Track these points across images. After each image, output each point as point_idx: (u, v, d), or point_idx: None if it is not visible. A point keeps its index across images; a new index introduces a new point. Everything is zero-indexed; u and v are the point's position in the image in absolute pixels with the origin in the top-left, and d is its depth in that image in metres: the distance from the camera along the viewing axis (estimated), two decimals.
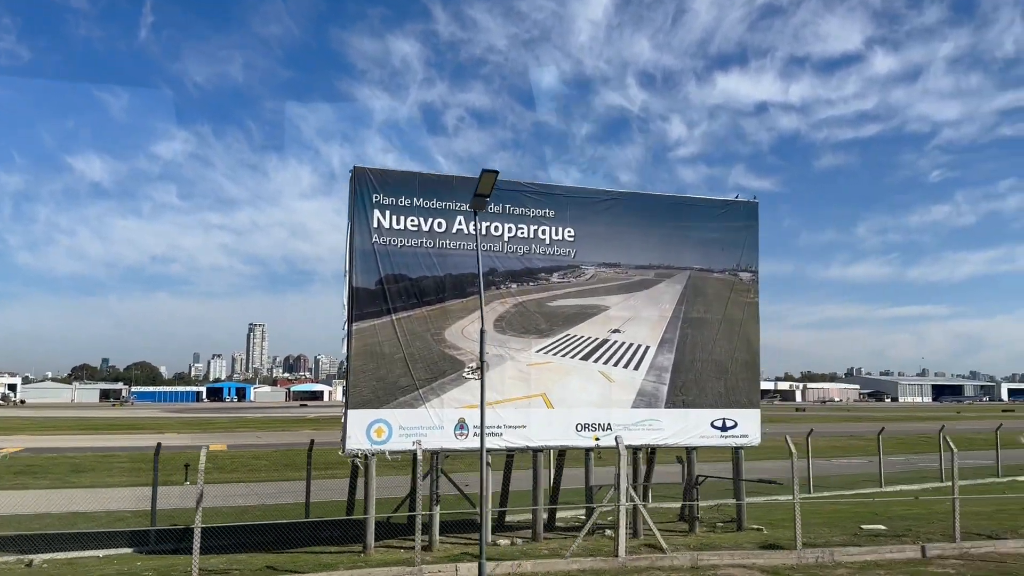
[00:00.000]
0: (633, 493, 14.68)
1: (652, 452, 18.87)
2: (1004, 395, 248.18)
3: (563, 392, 16.90)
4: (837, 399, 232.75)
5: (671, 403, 17.71)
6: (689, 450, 18.30)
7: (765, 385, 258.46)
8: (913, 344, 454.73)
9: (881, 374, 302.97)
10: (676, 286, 18.27)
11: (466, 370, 16.21)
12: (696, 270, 18.44)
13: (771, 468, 31.89)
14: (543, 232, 17.12)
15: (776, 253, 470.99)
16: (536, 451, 16.66)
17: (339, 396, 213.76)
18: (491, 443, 16.22)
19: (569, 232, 17.32)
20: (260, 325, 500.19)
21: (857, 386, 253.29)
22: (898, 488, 26.32)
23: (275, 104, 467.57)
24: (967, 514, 20.47)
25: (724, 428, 18.15)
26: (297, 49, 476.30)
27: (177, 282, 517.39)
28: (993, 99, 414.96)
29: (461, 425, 16.02)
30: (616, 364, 17.47)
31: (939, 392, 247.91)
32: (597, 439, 17.09)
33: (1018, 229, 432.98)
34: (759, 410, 18.79)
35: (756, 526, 18.06)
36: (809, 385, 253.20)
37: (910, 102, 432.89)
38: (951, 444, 16.94)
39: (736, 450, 18.48)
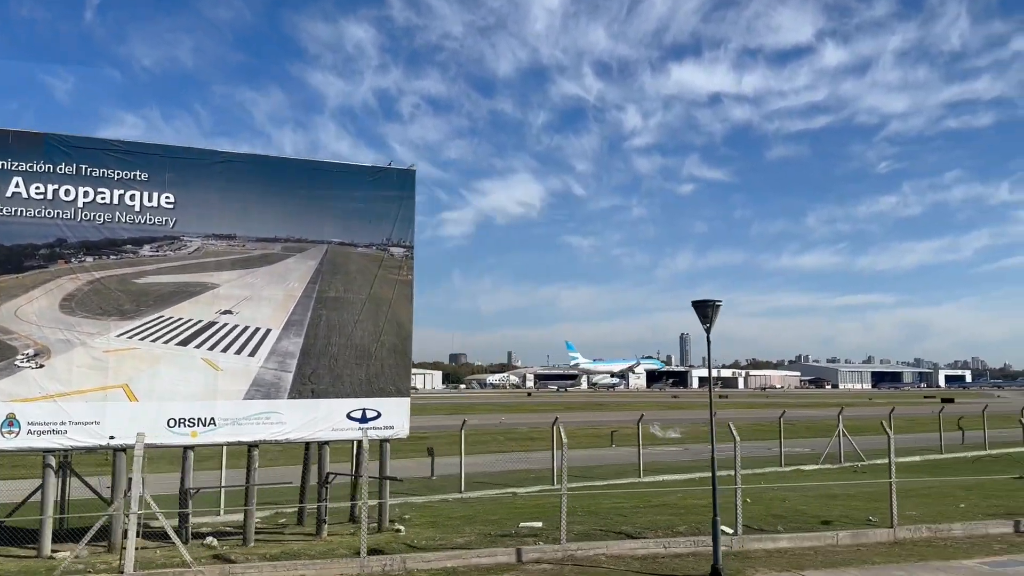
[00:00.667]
0: (150, 500, 12.71)
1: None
2: (941, 381, 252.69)
3: (152, 383, 14.89)
4: (778, 386, 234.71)
5: (296, 393, 15.82)
6: (321, 445, 16.46)
7: (705, 372, 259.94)
8: (861, 332, 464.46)
9: (828, 361, 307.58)
10: (309, 262, 16.36)
11: (20, 357, 14.11)
12: (336, 244, 16.54)
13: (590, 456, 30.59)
14: (132, 198, 15.04)
15: (728, 243, 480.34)
16: (116, 451, 14.63)
17: None
18: (53, 442, 14.24)
19: (167, 198, 15.28)
20: None
21: (799, 373, 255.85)
22: (660, 478, 24.92)
23: (225, 89, 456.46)
24: (667, 507, 19.08)
25: (364, 419, 16.33)
26: (248, 33, 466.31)
27: None
28: (939, 92, 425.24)
29: (11, 422, 13.93)
30: (226, 350, 15.51)
31: (879, 379, 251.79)
32: (195, 435, 15.15)
33: (963, 220, 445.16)
34: (408, 398, 17.02)
35: (398, 527, 16.30)
36: (752, 372, 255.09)
37: (859, 94, 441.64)
38: (564, 437, 15.26)
39: (382, 443, 16.69)
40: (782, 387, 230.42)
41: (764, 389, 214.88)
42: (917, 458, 30.43)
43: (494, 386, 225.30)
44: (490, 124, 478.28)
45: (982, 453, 33.29)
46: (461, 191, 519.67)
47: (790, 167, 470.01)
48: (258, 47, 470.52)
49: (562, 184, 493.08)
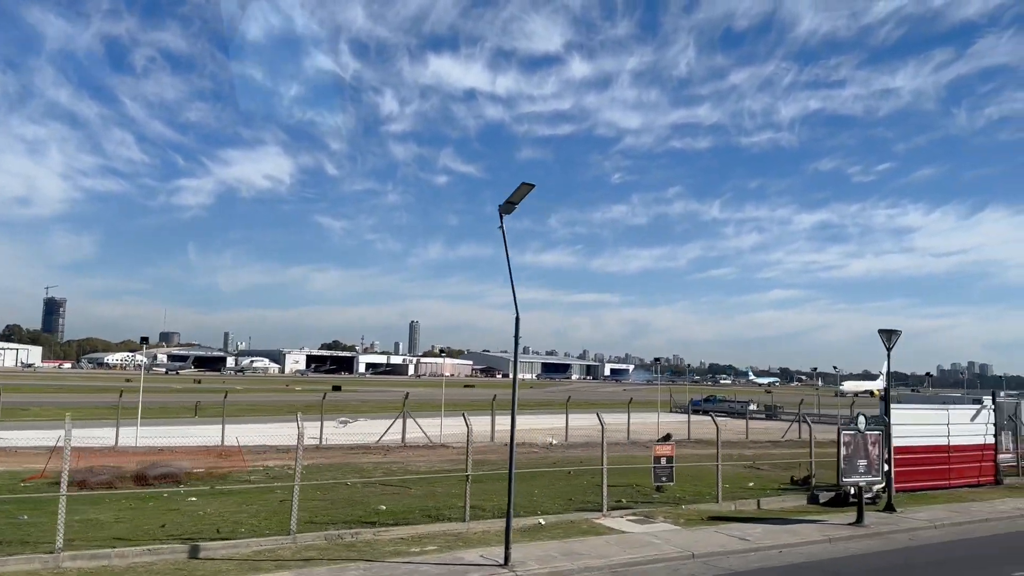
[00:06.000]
0: None
1: None
2: (607, 372, 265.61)
3: None
4: (448, 374, 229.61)
5: None
6: None
7: (375, 359, 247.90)
8: (591, 327, 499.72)
9: (547, 353, 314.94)
10: None
11: None
12: None
13: None
14: None
15: (478, 237, 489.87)
16: None
17: None
18: None
19: None
20: None
21: (471, 362, 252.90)
22: None
23: None
24: None
25: None
26: None
27: None
28: (668, 114, 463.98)
29: None
30: None
31: (549, 369, 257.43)
32: None
33: (680, 232, 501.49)
34: None
35: None
36: (423, 360, 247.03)
37: (600, 108, 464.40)
38: None
39: None
40: (452, 375, 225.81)
41: (420, 376, 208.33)
42: None
43: (109, 366, 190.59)
44: (237, 89, 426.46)
45: None
46: (201, 158, 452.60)
47: (537, 169, 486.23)
48: None
49: (314, 162, 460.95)
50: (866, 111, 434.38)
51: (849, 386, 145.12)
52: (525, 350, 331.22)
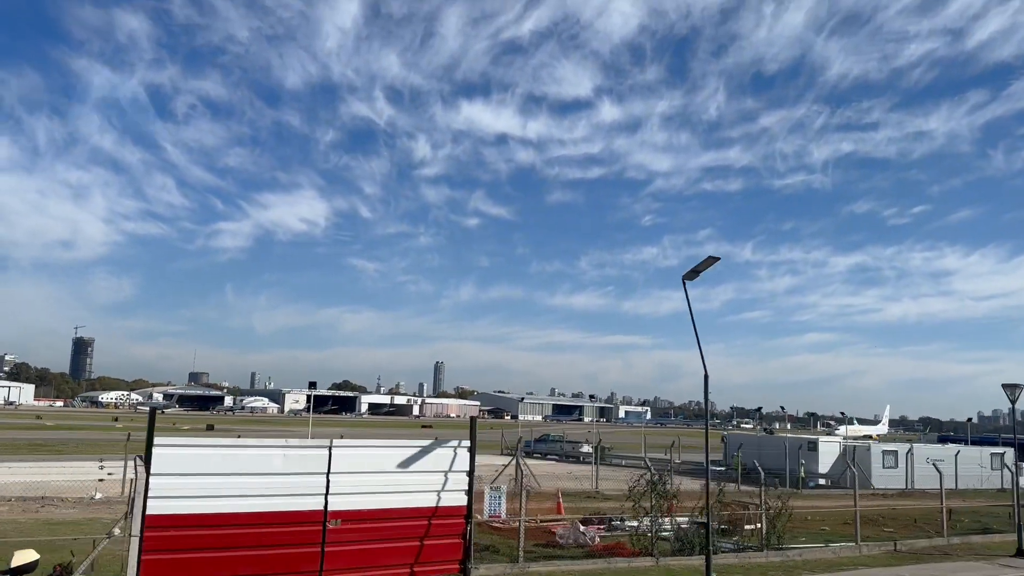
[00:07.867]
0: None
1: None
2: (621, 415, 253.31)
3: None
4: (454, 415, 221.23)
5: None
6: None
7: (380, 399, 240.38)
8: (622, 370, 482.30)
9: (573, 395, 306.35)
10: None
11: None
12: None
13: None
14: None
15: (509, 278, 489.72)
16: None
17: None
18: None
19: None
20: None
21: (478, 403, 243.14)
22: None
23: None
24: None
25: None
26: (1, 7, 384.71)
27: None
28: (698, 157, 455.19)
29: None
30: None
31: (560, 411, 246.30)
32: None
33: (712, 274, 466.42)
34: None
35: None
36: (428, 400, 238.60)
37: (630, 151, 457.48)
38: None
39: None
40: (457, 416, 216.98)
41: (422, 416, 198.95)
42: None
43: (103, 404, 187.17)
44: (274, 135, 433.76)
45: None
46: (239, 202, 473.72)
47: (567, 212, 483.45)
48: (12, 24, 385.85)
49: (349, 205, 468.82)
50: (900, 153, 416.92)
51: (849, 430, 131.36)
52: (552, 392, 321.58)
